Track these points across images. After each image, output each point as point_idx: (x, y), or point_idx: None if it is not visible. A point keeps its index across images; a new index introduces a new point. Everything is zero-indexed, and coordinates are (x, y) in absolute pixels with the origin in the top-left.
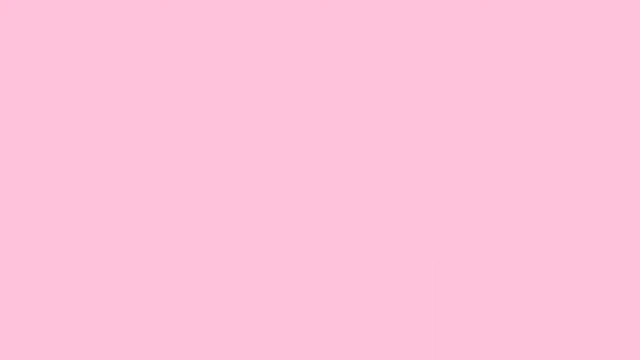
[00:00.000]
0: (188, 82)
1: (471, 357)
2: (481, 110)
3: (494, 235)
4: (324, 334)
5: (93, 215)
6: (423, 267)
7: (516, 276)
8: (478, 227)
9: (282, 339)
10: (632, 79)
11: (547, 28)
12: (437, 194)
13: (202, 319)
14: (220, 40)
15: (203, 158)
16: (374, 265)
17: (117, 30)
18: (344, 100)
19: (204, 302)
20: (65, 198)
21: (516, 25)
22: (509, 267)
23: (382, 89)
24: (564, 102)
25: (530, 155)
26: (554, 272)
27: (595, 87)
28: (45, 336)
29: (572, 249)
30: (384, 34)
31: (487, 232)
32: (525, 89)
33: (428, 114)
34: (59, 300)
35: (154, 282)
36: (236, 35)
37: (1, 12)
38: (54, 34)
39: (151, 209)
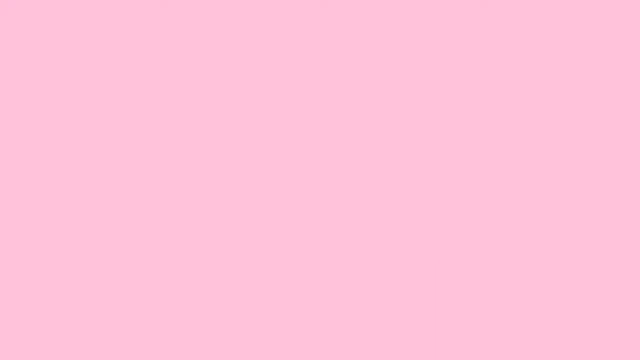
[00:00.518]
0: (188, 82)
1: (471, 357)
2: (481, 110)
3: (494, 235)
4: (324, 334)
5: (93, 215)
6: (423, 267)
7: (516, 276)
8: (478, 227)
9: (282, 339)
10: (632, 79)
11: (547, 28)
12: (437, 194)
13: (202, 319)
14: (220, 40)
15: (203, 158)
16: (374, 265)
17: (117, 30)
18: (344, 100)
19: (204, 302)
20: (65, 198)
21: (516, 25)
22: (509, 267)
23: (382, 89)
24: (564, 102)
25: (531, 155)
26: (554, 272)
27: (595, 87)
28: (45, 336)
29: (572, 249)
30: (384, 34)
31: (487, 232)
32: (526, 89)
33: (428, 114)
34: (59, 300)
35: (154, 282)
36: (236, 35)
37: (1, 12)
38: (54, 34)
39: (151, 208)
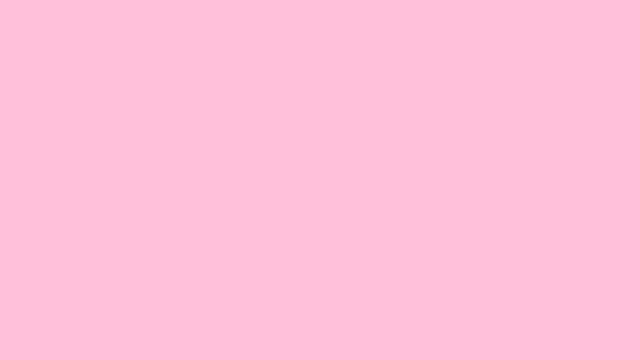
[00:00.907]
0: (188, 82)
1: (471, 357)
2: (481, 110)
3: (494, 235)
4: (324, 334)
5: (93, 215)
6: (423, 267)
7: (516, 276)
8: (478, 227)
9: (282, 339)
10: (632, 79)
11: (547, 28)
12: (437, 194)
13: (202, 319)
14: (220, 40)
15: (203, 158)
16: (373, 265)
17: (117, 30)
18: (344, 100)
19: (204, 302)
20: (65, 198)
21: (516, 25)
22: (509, 267)
23: (382, 89)
24: (564, 102)
25: (531, 155)
26: (554, 272)
27: (595, 87)
28: (45, 336)
29: (572, 249)
30: (384, 34)
31: (487, 232)
32: (525, 89)
33: (428, 114)
34: (59, 300)
35: (154, 282)
36: (236, 35)
37: (1, 12)
38: (54, 34)
39: (151, 208)
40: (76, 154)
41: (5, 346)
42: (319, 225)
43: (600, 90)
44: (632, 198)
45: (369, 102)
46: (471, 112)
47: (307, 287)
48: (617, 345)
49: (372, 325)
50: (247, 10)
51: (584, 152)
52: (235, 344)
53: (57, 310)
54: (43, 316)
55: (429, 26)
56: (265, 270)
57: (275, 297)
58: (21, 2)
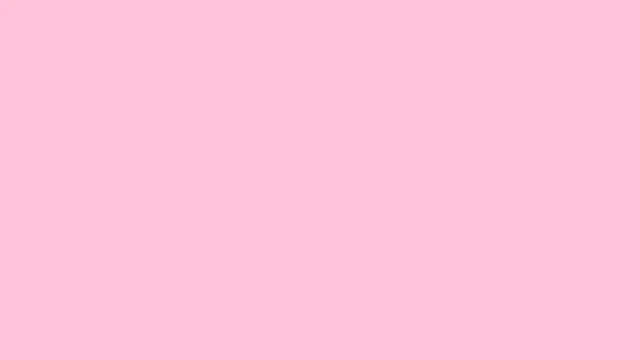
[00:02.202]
0: (188, 82)
1: (471, 357)
2: (481, 110)
3: (494, 235)
4: (324, 334)
5: (93, 215)
6: (423, 267)
7: (516, 276)
8: (478, 227)
9: (282, 338)
10: (632, 79)
11: (547, 28)
12: (437, 194)
13: (202, 319)
14: (220, 40)
15: (203, 158)
16: (374, 265)
17: (117, 30)
18: (344, 100)
19: (204, 302)
20: (65, 198)
21: (516, 25)
22: (509, 267)
23: (382, 89)
24: (564, 102)
25: (530, 155)
26: (554, 272)
27: (595, 87)
28: (45, 336)
29: (572, 249)
30: (384, 34)
31: (487, 232)
32: (525, 89)
33: (428, 114)
34: (59, 300)
35: (154, 282)
36: (236, 35)
37: (1, 12)
38: (54, 34)
39: (151, 208)
40: (76, 153)
41: (5, 346)
42: (319, 225)
43: (601, 90)
44: (632, 198)
45: (369, 102)
46: (471, 111)
47: (306, 287)
48: (617, 345)
49: (372, 325)
50: (247, 10)
51: (583, 151)
52: (236, 343)
53: (57, 310)
54: (43, 316)
55: (429, 26)
56: (265, 270)
57: (275, 296)
58: (21, 2)
